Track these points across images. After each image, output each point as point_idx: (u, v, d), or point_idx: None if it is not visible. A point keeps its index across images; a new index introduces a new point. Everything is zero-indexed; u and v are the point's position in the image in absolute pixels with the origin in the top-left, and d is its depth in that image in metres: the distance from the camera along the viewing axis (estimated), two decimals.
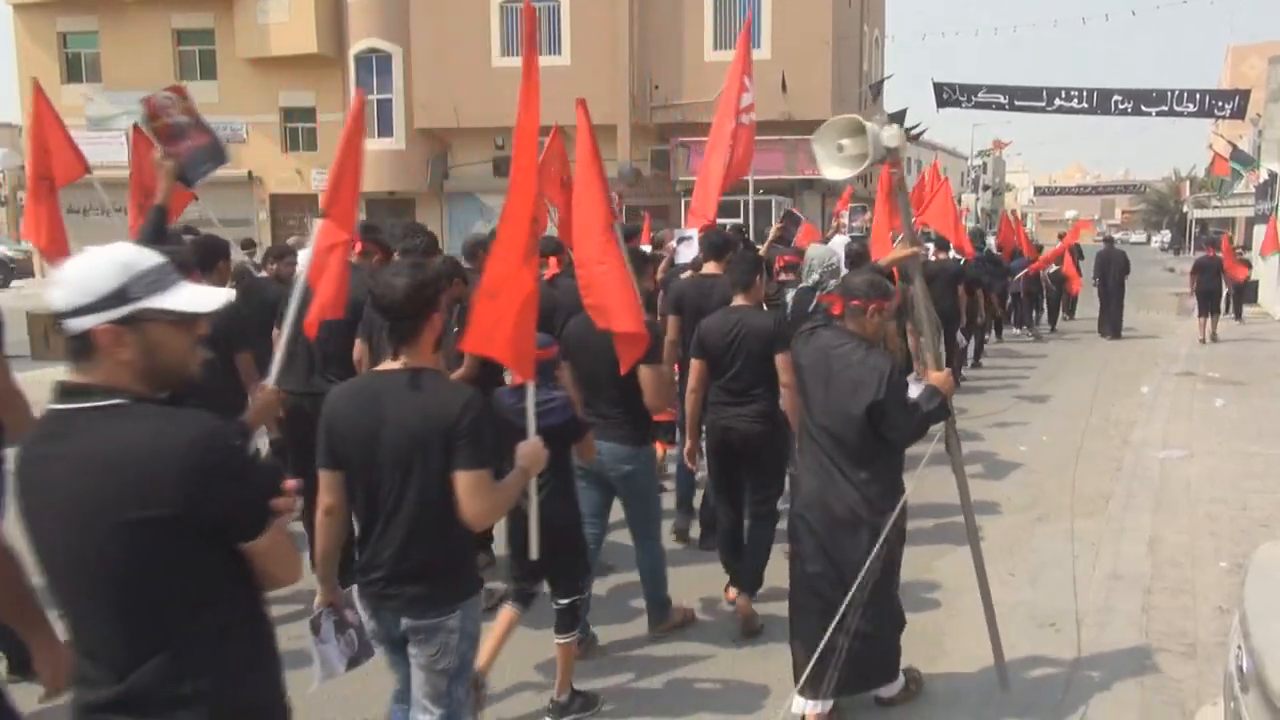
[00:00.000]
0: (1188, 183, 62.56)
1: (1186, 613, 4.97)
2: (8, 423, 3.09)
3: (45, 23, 28.17)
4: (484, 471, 2.65)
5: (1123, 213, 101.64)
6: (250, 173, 26.98)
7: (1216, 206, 43.87)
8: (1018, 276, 16.33)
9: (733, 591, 4.87)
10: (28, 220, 6.45)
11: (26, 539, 1.87)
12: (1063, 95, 18.12)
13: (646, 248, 7.40)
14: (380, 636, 2.88)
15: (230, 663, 1.84)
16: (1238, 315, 19.59)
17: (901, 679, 4.01)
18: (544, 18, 24.96)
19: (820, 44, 23.00)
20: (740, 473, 4.85)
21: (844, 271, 7.20)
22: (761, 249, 7.71)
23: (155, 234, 4.28)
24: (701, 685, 4.31)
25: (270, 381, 3.51)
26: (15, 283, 25.55)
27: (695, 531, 6.01)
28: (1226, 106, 18.45)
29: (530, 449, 2.99)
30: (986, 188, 59.43)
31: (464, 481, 2.62)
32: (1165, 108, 17.66)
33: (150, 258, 1.85)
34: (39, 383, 2.51)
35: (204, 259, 4.53)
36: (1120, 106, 17.96)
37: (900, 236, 4.75)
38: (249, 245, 6.27)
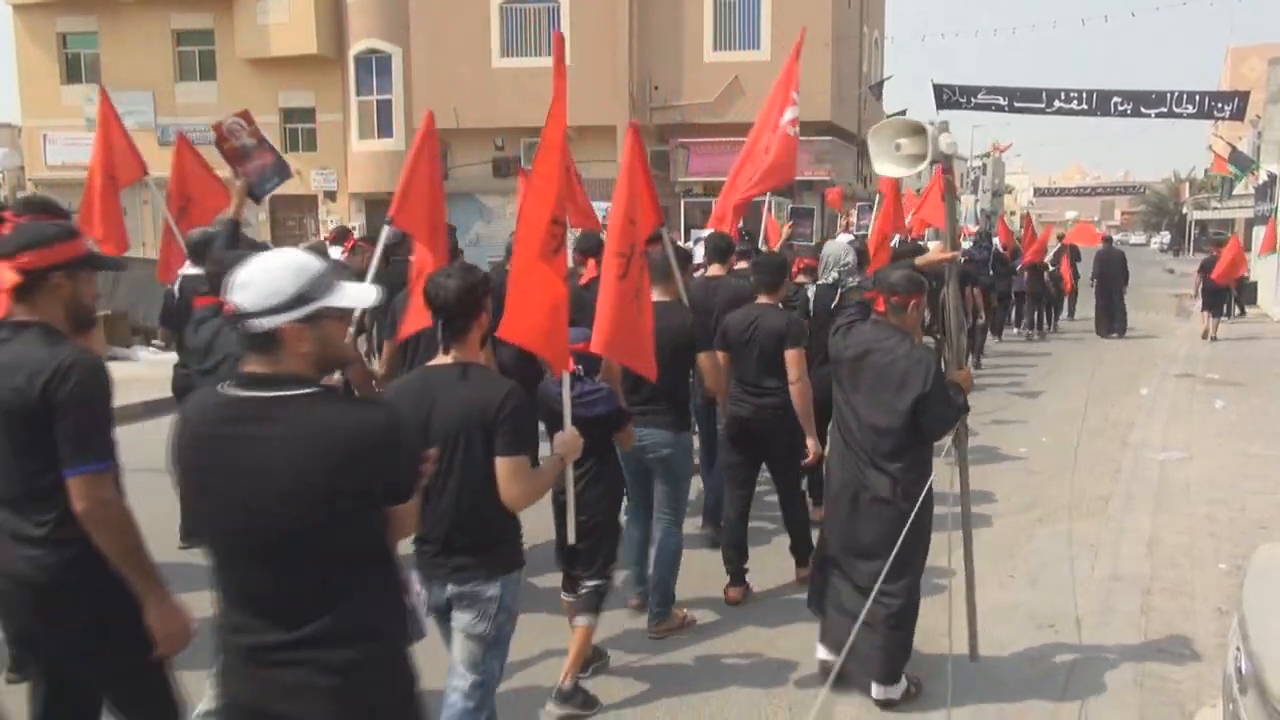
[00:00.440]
0: (1187, 184, 62.61)
1: (1185, 614, 4.97)
2: None
3: (45, 23, 28.16)
4: (522, 458, 2.89)
5: (1122, 214, 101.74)
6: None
7: (1216, 208, 43.93)
8: (1023, 275, 16.42)
9: (733, 592, 5.15)
10: (84, 214, 6.87)
11: (198, 508, 2.15)
12: (1062, 97, 18.13)
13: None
14: (430, 605, 2.98)
15: (385, 608, 2.16)
16: (1241, 313, 19.65)
17: (904, 682, 4.04)
18: (543, 18, 24.97)
19: (820, 45, 23.00)
20: (757, 459, 5.22)
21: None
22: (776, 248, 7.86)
23: (230, 243, 4.62)
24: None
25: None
26: None
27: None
28: (1226, 108, 18.47)
29: (567, 437, 3.22)
30: (986, 190, 59.46)
31: (503, 467, 2.86)
32: (1165, 109, 17.67)
33: (318, 262, 2.14)
34: None
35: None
36: (1120, 108, 17.97)
37: (936, 240, 5.12)
38: (344, 236, 6.68)
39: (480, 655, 2.99)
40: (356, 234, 10.42)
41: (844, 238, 9.58)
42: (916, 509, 3.78)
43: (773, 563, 5.59)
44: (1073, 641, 4.65)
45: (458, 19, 24.88)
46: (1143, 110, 17.83)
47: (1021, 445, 8.69)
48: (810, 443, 5.06)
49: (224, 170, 6.29)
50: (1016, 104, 18.32)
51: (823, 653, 4.21)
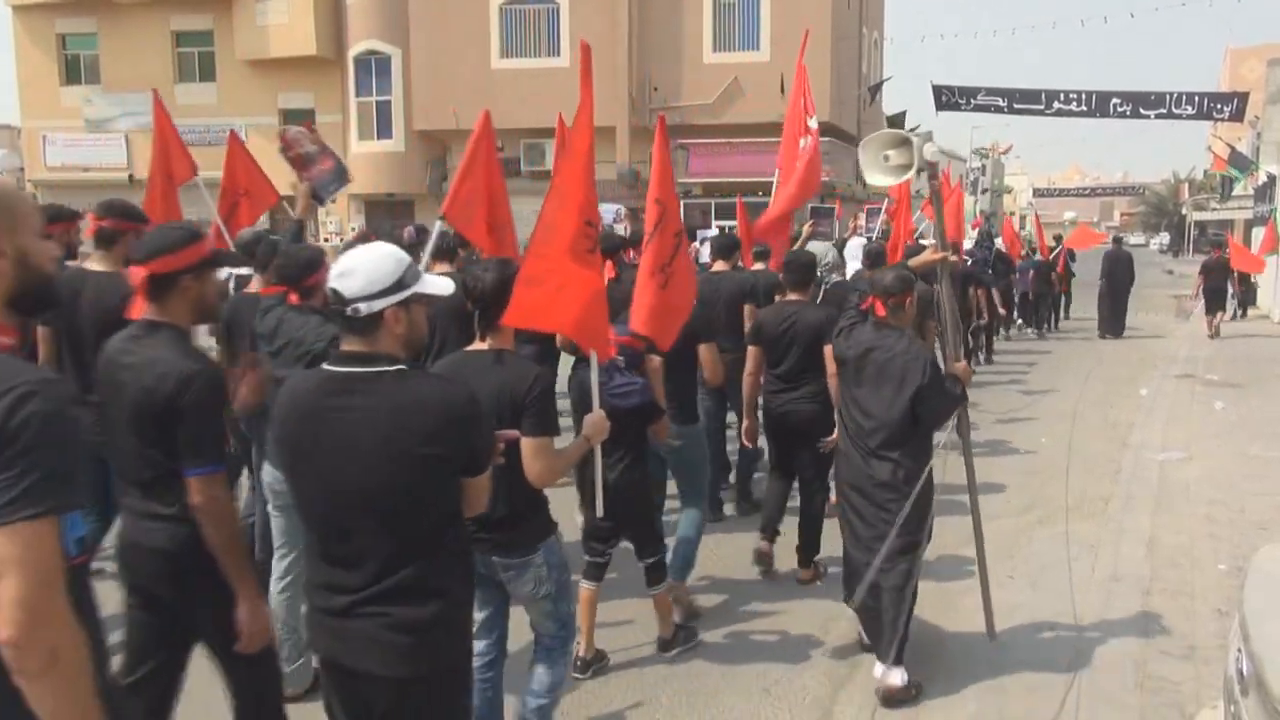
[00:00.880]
0: (1186, 185, 62.62)
1: (1186, 615, 4.97)
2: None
3: (44, 24, 28.15)
4: (546, 438, 3.08)
5: (1121, 215, 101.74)
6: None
7: (1215, 209, 43.92)
8: (1029, 274, 16.44)
9: (764, 546, 5.49)
10: (148, 213, 7.14)
11: (298, 477, 2.40)
12: (1061, 98, 18.16)
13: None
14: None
15: (456, 573, 2.41)
16: (1242, 314, 19.67)
17: (905, 675, 4.09)
18: (543, 19, 24.98)
19: (820, 45, 23.02)
20: (795, 449, 5.43)
21: (852, 267, 7.43)
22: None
23: (296, 241, 4.93)
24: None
25: None
26: None
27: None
28: (1225, 109, 18.49)
29: (595, 419, 3.40)
30: (985, 190, 59.44)
31: (528, 445, 3.05)
32: (1164, 110, 17.70)
33: (406, 255, 2.40)
34: None
35: (448, 252, 5.54)
36: (1119, 109, 18.00)
37: (929, 241, 5.32)
38: (422, 233, 6.89)
39: (553, 607, 3.35)
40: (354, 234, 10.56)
41: (855, 241, 9.64)
42: (918, 489, 4.04)
43: (780, 557, 5.61)
44: (1072, 642, 4.65)
45: (457, 20, 24.88)
46: (1142, 111, 17.86)
47: (1021, 446, 8.69)
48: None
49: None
50: (1016, 105, 18.36)
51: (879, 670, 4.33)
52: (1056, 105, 18.13)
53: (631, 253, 6.61)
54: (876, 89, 28.22)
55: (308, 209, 5.33)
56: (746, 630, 4.87)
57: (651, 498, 4.52)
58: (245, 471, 4.92)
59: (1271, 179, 22.04)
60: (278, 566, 4.03)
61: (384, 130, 25.87)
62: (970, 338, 12.02)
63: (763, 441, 5.89)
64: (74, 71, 28.48)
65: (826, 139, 23.58)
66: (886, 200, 11.57)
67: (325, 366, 2.38)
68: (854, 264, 7.74)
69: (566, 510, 4.61)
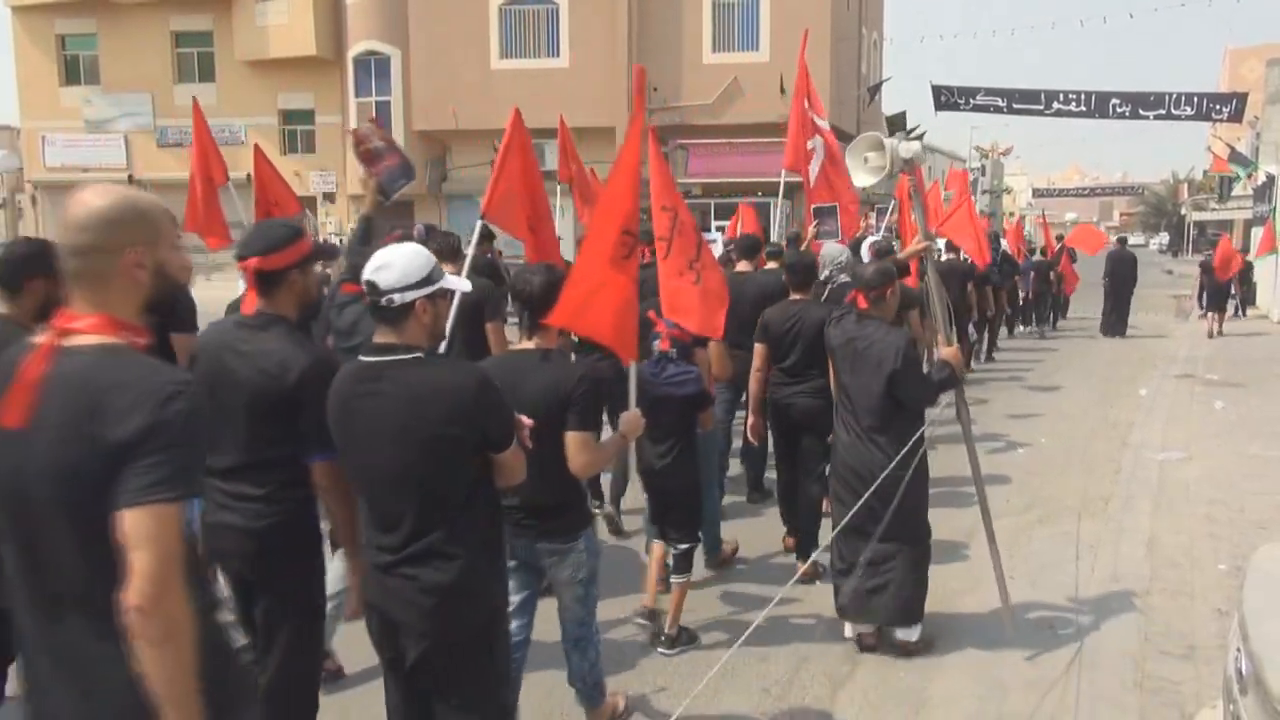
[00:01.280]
0: (1186, 185, 62.62)
1: (1185, 615, 4.97)
2: None
3: (44, 24, 28.17)
4: (588, 433, 3.25)
5: (1121, 215, 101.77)
6: (249, 175, 26.91)
7: (1215, 209, 43.92)
8: (1030, 275, 16.45)
9: (790, 540, 5.74)
10: (191, 215, 7.73)
11: (345, 455, 2.68)
12: (1061, 99, 18.14)
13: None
14: (511, 554, 3.38)
15: (481, 542, 2.65)
16: (1242, 313, 19.67)
17: (920, 628, 4.46)
18: (543, 19, 24.99)
19: (819, 46, 23.02)
20: (796, 439, 5.62)
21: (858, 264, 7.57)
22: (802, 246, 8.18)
23: (365, 237, 5.02)
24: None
25: None
26: None
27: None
28: (1224, 109, 18.47)
29: (631, 416, 3.56)
30: (985, 191, 59.44)
31: (572, 440, 3.22)
32: (1163, 111, 17.67)
33: (431, 253, 2.66)
34: None
35: (451, 251, 5.80)
36: (1118, 110, 17.97)
37: (917, 236, 5.54)
38: (489, 237, 7.04)
39: (584, 591, 3.56)
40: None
41: (867, 240, 9.69)
42: (911, 471, 4.25)
43: (780, 557, 5.60)
44: (1072, 642, 4.65)
45: (457, 20, 24.89)
46: (1141, 112, 17.84)
47: (1021, 446, 8.69)
48: None
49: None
50: (1015, 105, 18.33)
51: (849, 631, 4.67)
52: (1056, 105, 18.10)
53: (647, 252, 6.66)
54: (876, 89, 28.22)
55: (375, 205, 5.42)
56: (746, 630, 4.86)
57: (698, 487, 4.75)
58: None
59: (1270, 179, 22.04)
60: None
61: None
62: (974, 330, 12.07)
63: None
64: (73, 72, 28.51)
65: None
66: (893, 201, 11.60)
67: (360, 357, 2.65)
68: None
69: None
